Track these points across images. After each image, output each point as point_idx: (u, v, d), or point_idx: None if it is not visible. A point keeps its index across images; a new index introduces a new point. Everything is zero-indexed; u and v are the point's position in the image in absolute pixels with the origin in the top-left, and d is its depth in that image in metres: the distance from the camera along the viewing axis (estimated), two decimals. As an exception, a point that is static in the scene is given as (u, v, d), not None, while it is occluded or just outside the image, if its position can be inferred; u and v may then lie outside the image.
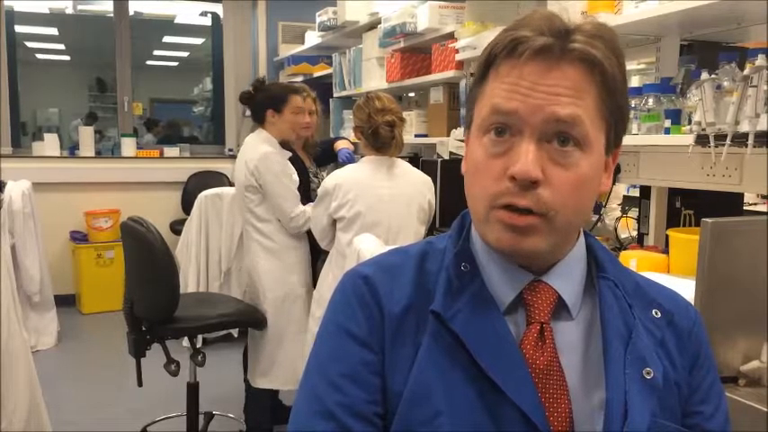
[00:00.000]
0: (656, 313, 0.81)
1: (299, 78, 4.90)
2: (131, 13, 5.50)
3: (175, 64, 9.28)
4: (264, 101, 2.84)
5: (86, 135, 5.23)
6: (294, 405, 0.79)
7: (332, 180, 2.49)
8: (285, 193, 2.72)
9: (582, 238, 0.82)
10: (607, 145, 0.76)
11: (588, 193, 0.75)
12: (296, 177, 2.80)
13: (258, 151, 2.73)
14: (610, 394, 0.74)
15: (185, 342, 2.83)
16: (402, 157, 2.62)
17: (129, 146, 5.29)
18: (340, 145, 3.24)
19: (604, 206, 2.44)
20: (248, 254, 2.88)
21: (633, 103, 1.91)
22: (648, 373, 0.75)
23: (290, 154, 2.83)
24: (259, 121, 2.87)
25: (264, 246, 2.81)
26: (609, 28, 0.75)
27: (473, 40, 2.79)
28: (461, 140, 2.93)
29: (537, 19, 0.72)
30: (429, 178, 2.61)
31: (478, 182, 0.75)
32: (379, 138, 2.47)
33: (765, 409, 1.20)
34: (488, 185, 0.73)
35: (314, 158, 3.19)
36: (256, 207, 2.79)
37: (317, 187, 2.63)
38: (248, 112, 2.94)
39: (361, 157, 2.64)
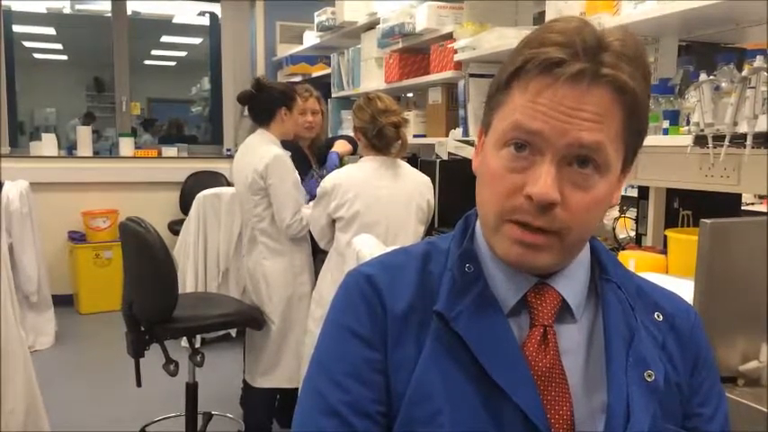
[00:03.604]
0: (658, 316, 0.81)
1: (298, 78, 4.90)
2: (129, 12, 5.49)
3: (173, 64, 9.29)
4: (276, 98, 2.79)
5: (84, 135, 5.22)
6: (298, 404, 0.79)
7: (331, 180, 2.48)
8: (286, 200, 2.69)
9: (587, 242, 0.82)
10: (623, 165, 0.76)
11: (601, 212, 0.75)
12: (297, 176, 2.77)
13: (269, 152, 2.69)
14: (611, 396, 0.74)
15: (184, 342, 2.82)
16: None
17: (126, 146, 5.28)
18: (335, 147, 3.23)
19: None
20: (251, 256, 2.83)
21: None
22: (650, 376, 0.75)
23: (289, 153, 2.80)
24: (265, 119, 2.80)
25: (271, 248, 2.78)
26: (635, 42, 0.73)
27: (472, 41, 2.79)
28: (460, 141, 2.92)
29: (571, 31, 0.70)
30: (428, 179, 2.61)
31: (493, 190, 0.74)
32: (384, 138, 2.46)
33: (764, 409, 1.21)
34: (502, 197, 0.73)
35: (317, 159, 3.18)
36: (264, 210, 2.75)
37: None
38: (246, 112, 2.91)
39: (360, 158, 2.64)
